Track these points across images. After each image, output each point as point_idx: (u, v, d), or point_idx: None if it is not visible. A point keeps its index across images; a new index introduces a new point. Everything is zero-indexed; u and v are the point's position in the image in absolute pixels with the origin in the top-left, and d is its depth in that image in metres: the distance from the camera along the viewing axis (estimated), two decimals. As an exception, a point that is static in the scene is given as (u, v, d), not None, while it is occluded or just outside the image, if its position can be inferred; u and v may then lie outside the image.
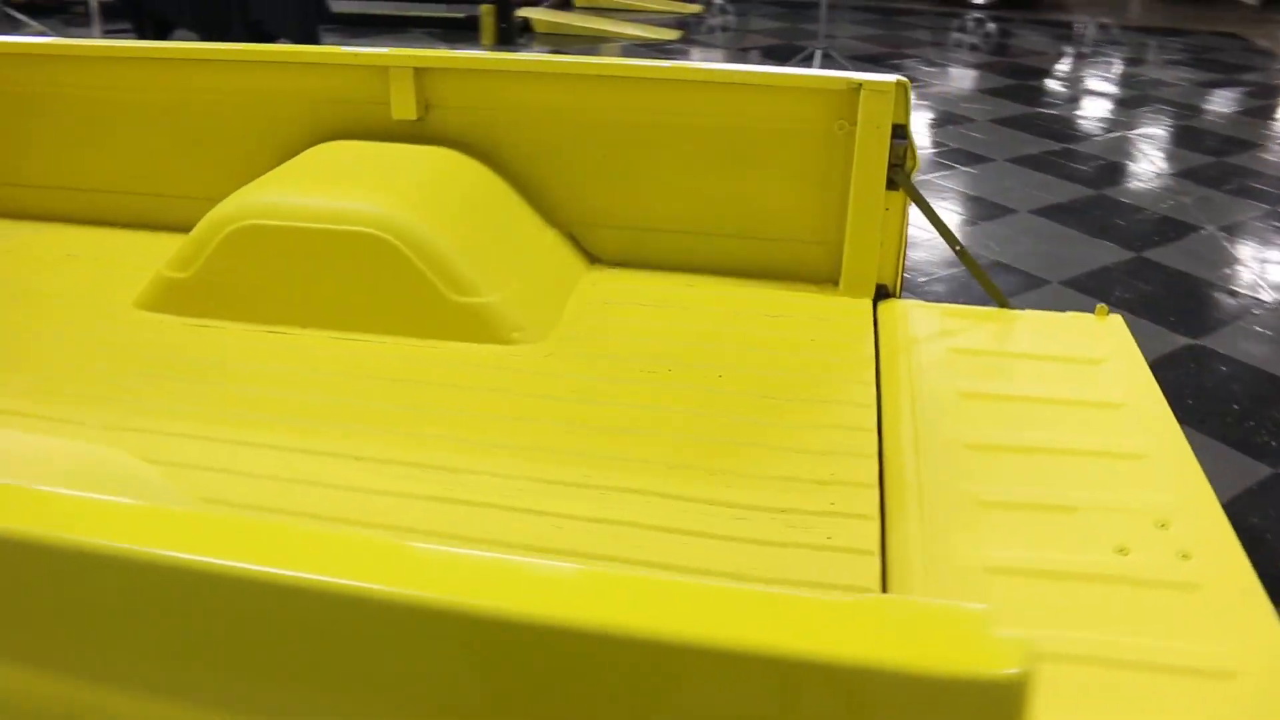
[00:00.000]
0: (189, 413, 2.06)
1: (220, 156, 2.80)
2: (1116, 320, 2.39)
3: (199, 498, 1.82)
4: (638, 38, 8.98)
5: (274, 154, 2.75)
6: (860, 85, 2.35)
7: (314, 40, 7.86)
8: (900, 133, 2.38)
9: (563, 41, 8.87)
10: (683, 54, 8.53)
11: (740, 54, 8.62)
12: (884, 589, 1.63)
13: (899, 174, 2.40)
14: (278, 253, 2.35)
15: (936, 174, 5.79)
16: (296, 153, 2.71)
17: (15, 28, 7.89)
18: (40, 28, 7.76)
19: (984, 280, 2.49)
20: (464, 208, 2.44)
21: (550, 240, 2.62)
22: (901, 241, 2.49)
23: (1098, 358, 2.24)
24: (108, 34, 7.89)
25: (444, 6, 9.29)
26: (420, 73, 2.59)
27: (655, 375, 2.19)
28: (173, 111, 2.79)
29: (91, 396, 2.12)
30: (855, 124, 2.39)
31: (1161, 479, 1.86)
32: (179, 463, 1.91)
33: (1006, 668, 0.78)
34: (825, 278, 2.58)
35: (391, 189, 2.37)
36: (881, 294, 2.53)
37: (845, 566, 1.65)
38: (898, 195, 2.44)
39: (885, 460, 1.93)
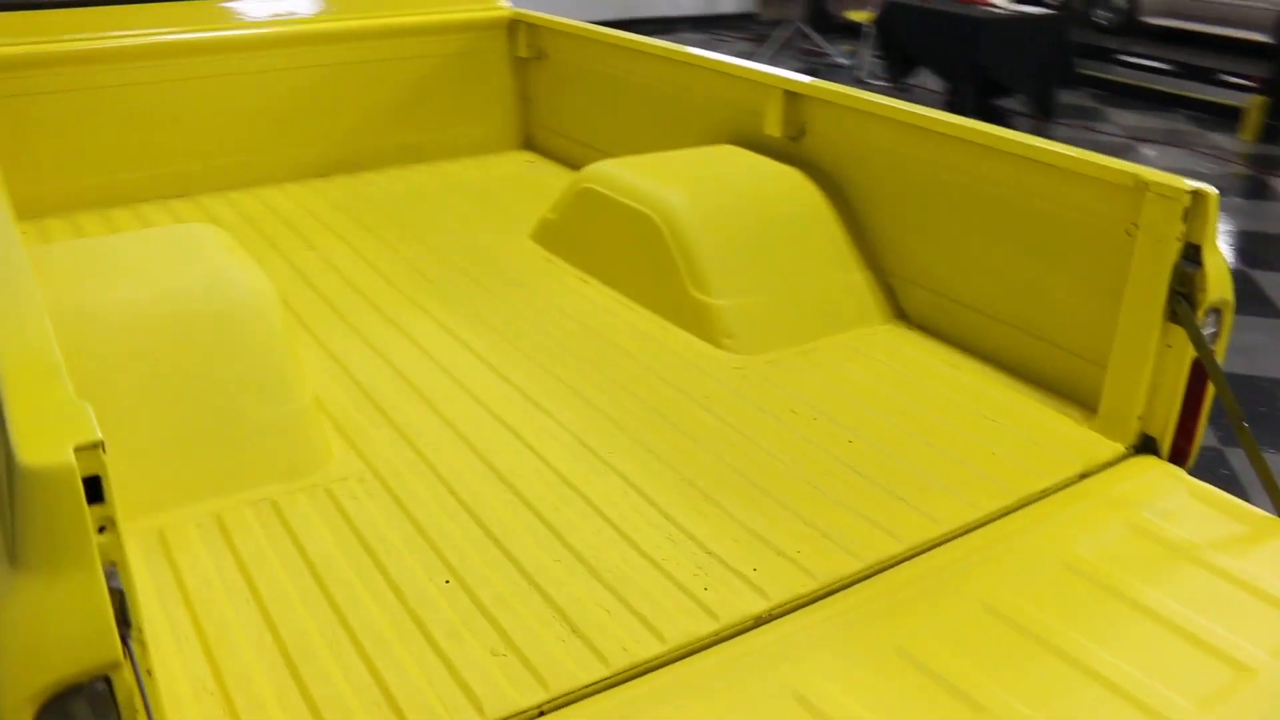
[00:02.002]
0: (456, 306, 2.56)
1: (661, 134, 3.22)
2: None
3: (370, 345, 2.37)
4: None
5: (692, 141, 3.09)
6: (1146, 184, 1.94)
7: (1048, 100, 7.82)
8: (1194, 255, 1.92)
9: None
10: None
11: None
12: (695, 651, 1.52)
13: (1181, 306, 1.93)
14: (597, 214, 2.72)
15: None
16: (703, 144, 3.03)
17: (805, 44, 9.12)
18: (831, 50, 8.86)
19: (1265, 473, 1.89)
20: (762, 224, 2.55)
21: (848, 281, 2.58)
22: (1181, 387, 2.00)
23: None
24: (875, 58, 8.72)
25: (1217, 90, 8.49)
26: (790, 96, 2.72)
27: (794, 416, 2.13)
28: (650, 94, 3.28)
29: (420, 274, 2.74)
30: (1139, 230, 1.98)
31: None
32: (398, 325, 2.47)
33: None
34: (1093, 404, 2.17)
35: (703, 189, 2.58)
36: (1148, 446, 2.06)
37: (676, 612, 1.57)
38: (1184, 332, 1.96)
39: (879, 574, 1.69)
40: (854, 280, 2.60)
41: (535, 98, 3.87)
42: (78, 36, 3.16)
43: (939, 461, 1.99)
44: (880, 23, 8.14)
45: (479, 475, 1.90)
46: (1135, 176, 1.98)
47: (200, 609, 1.55)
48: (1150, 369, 2.01)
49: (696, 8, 10.98)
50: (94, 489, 1.01)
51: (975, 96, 7.54)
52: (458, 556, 1.68)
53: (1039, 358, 2.29)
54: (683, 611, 1.57)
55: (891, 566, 1.71)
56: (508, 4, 3.82)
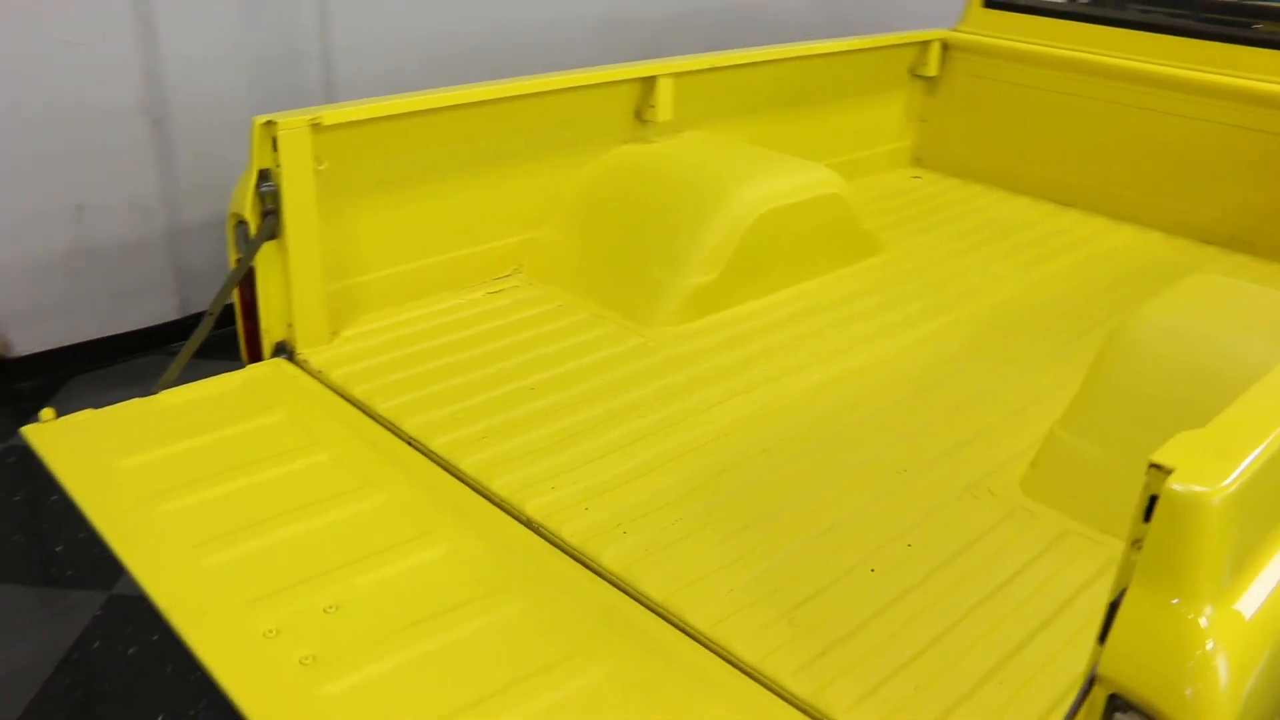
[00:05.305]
0: (946, 332, 2.70)
1: None
2: None
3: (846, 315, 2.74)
4: None
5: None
6: None
7: None
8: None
9: None
10: None
11: None
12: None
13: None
14: None
15: None
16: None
17: None
18: None
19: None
20: (1213, 395, 2.06)
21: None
22: None
23: None
24: None
25: None
26: None
27: (905, 549, 1.94)
28: None
29: (990, 319, 2.81)
30: None
31: None
32: (890, 320, 2.73)
33: None
34: None
35: (1207, 332, 2.11)
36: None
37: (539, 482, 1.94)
38: None
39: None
40: None
41: None
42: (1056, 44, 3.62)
43: (949, 679, 1.73)
44: None
45: (684, 418, 2.20)
46: None
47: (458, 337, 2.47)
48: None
49: None
50: None
51: None
52: (545, 438, 2.09)
53: None
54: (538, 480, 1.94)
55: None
56: None
